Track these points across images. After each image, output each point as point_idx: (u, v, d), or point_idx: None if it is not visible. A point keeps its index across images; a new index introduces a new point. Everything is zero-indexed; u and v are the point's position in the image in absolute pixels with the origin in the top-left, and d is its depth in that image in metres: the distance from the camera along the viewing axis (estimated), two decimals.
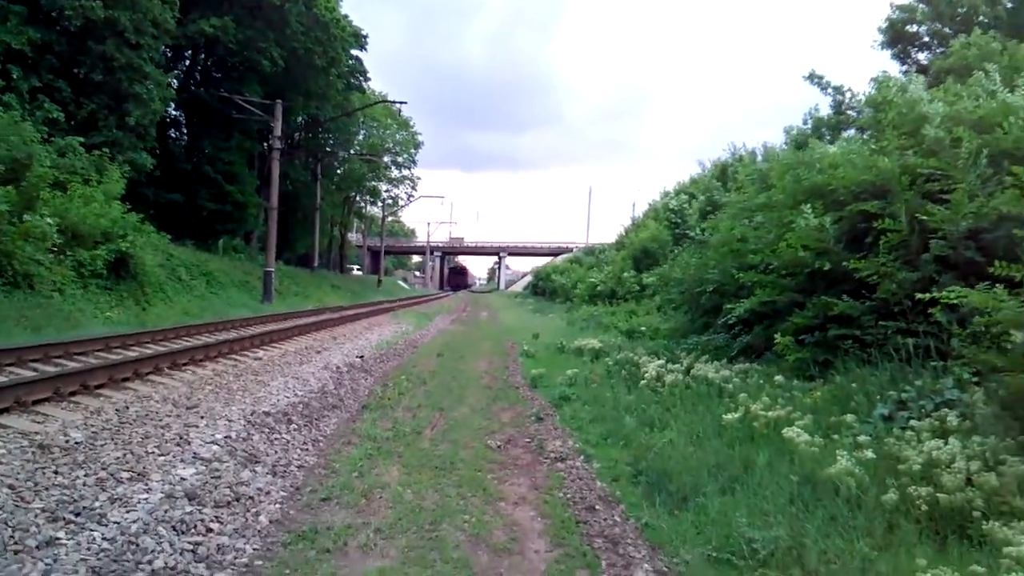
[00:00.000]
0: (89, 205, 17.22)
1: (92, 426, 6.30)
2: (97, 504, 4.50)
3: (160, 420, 6.76)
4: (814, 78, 20.81)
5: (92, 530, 4.14)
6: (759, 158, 20.97)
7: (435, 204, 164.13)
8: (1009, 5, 21.38)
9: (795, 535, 4.13)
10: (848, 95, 20.46)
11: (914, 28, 24.27)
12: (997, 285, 4.89)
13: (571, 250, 74.35)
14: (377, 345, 15.90)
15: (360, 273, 74.39)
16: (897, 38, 24.36)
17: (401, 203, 74.85)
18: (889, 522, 4.16)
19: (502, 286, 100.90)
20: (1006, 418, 4.82)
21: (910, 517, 4.14)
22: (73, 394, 7.50)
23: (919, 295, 6.01)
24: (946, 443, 4.65)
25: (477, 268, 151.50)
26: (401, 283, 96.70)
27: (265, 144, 36.87)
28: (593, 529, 4.77)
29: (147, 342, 12.22)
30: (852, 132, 15.96)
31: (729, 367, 9.02)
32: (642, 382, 9.25)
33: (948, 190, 7.07)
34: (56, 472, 5.00)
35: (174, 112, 34.44)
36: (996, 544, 3.56)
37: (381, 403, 8.97)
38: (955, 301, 5.22)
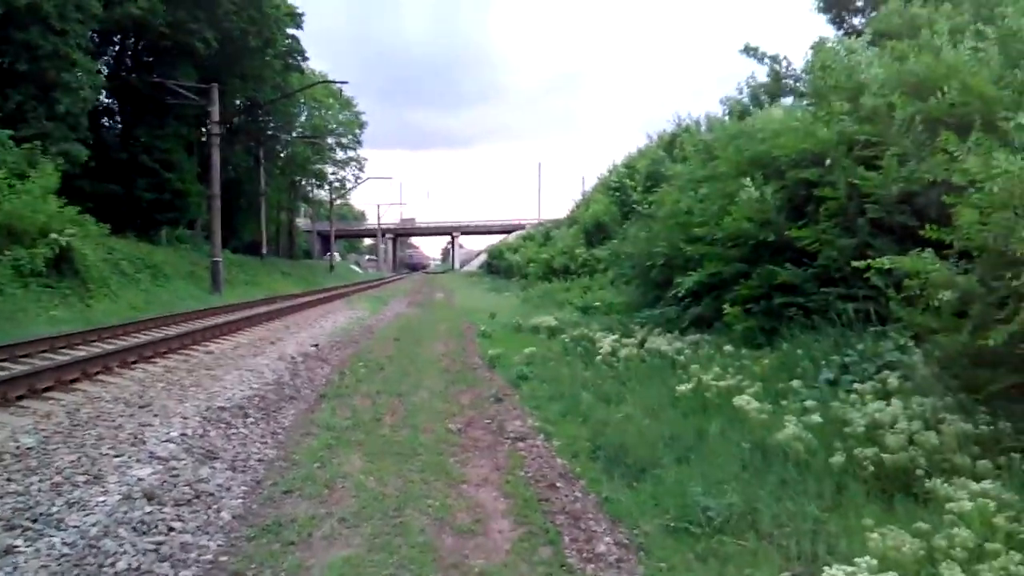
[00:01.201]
0: (23, 200, 16.67)
1: (43, 430, 6.20)
2: (54, 509, 4.46)
3: (113, 421, 6.67)
4: (749, 50, 21.03)
5: (51, 536, 4.11)
6: (703, 128, 21.20)
7: (384, 185, 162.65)
8: None
9: (748, 501, 4.30)
10: (784, 63, 20.74)
11: None
12: (928, 249, 5.09)
13: (524, 227, 74.29)
14: (332, 332, 15.80)
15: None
16: (832, 3, 24.72)
17: (349, 185, 74.11)
18: (837, 484, 4.35)
19: (457, 266, 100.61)
20: (944, 378, 5.04)
21: (857, 478, 4.33)
22: (20, 398, 7.35)
23: (854, 263, 6.21)
24: (888, 404, 4.86)
25: (430, 249, 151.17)
26: (354, 267, 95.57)
27: (203, 129, 35.94)
28: (555, 506, 4.89)
29: (94, 340, 11.97)
30: (790, 100, 16.25)
31: (681, 339, 9.22)
32: (598, 358, 9.41)
33: (883, 156, 7.30)
34: (9, 479, 4.93)
35: (106, 100, 33.38)
36: (939, 501, 3.72)
37: (339, 392, 8.96)
38: (888, 267, 5.40)
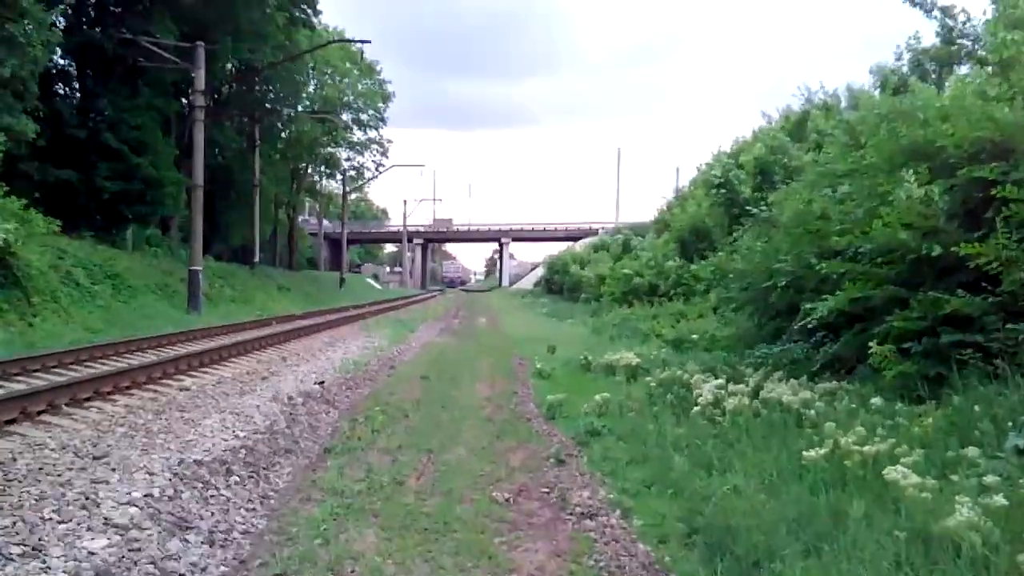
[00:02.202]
0: None
1: None
2: None
3: (59, 475, 6.80)
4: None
5: None
6: (844, 105, 20.98)
7: (414, 175, 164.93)
8: None
9: None
10: (962, 18, 20.41)
11: None
12: None
13: (596, 233, 74.60)
14: (342, 367, 15.98)
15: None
16: None
17: (368, 175, 75.12)
18: None
19: (505, 282, 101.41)
20: None
21: None
22: None
23: None
24: None
25: (472, 258, 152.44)
26: (371, 281, 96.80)
27: (184, 101, 36.87)
28: None
29: (36, 370, 12.27)
30: (966, 69, 15.94)
31: (810, 387, 9.07)
32: (695, 409, 9.30)
33: None
34: None
35: (61, 61, 34.36)
36: None
37: (349, 445, 9.05)
38: None
